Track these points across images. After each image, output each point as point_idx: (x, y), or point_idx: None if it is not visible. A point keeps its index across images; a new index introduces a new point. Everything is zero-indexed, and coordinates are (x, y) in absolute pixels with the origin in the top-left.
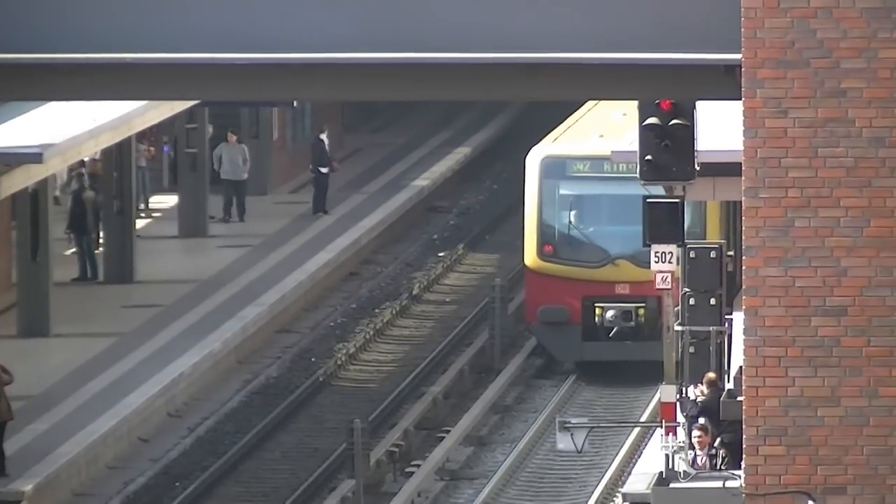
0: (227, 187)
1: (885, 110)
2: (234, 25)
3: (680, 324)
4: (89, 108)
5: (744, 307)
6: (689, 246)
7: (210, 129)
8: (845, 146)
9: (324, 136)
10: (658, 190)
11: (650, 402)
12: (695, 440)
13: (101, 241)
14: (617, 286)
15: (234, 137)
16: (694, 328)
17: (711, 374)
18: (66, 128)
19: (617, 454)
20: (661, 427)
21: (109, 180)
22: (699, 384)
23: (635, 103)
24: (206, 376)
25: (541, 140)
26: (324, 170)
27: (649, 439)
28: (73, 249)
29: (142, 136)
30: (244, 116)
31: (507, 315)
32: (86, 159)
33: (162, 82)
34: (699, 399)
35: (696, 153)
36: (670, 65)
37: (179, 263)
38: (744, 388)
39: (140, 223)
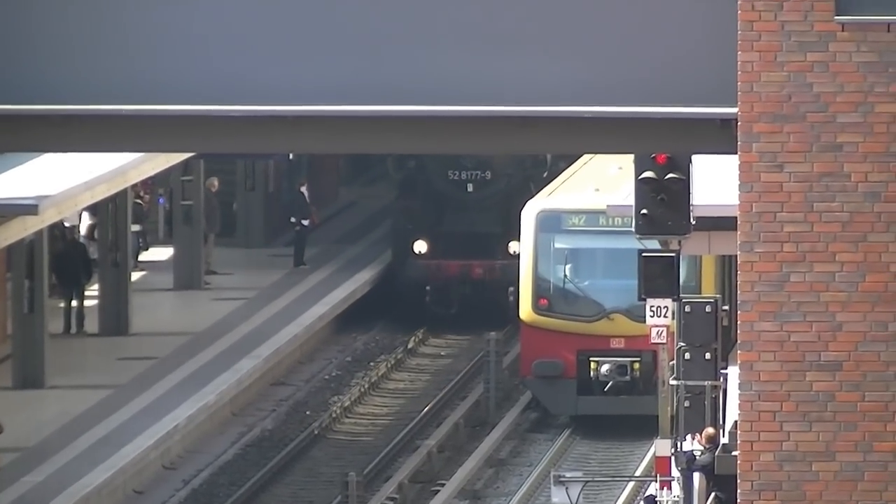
0: None
1: (880, 164)
2: (229, 77)
3: (675, 378)
4: (85, 159)
5: (739, 361)
6: (684, 300)
7: (216, 183)
8: (841, 200)
9: (304, 189)
10: (653, 244)
11: (645, 456)
12: None
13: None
14: (612, 340)
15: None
16: (689, 382)
17: (711, 430)
18: (62, 179)
19: None
20: (656, 481)
21: (105, 232)
22: (697, 434)
23: (631, 157)
24: (201, 428)
25: (536, 193)
26: (305, 222)
27: (644, 493)
28: (62, 304)
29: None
30: (240, 168)
31: (502, 369)
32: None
33: (156, 134)
34: (696, 451)
35: (691, 207)
36: (666, 118)
37: (174, 316)
38: (739, 442)
39: (135, 275)
